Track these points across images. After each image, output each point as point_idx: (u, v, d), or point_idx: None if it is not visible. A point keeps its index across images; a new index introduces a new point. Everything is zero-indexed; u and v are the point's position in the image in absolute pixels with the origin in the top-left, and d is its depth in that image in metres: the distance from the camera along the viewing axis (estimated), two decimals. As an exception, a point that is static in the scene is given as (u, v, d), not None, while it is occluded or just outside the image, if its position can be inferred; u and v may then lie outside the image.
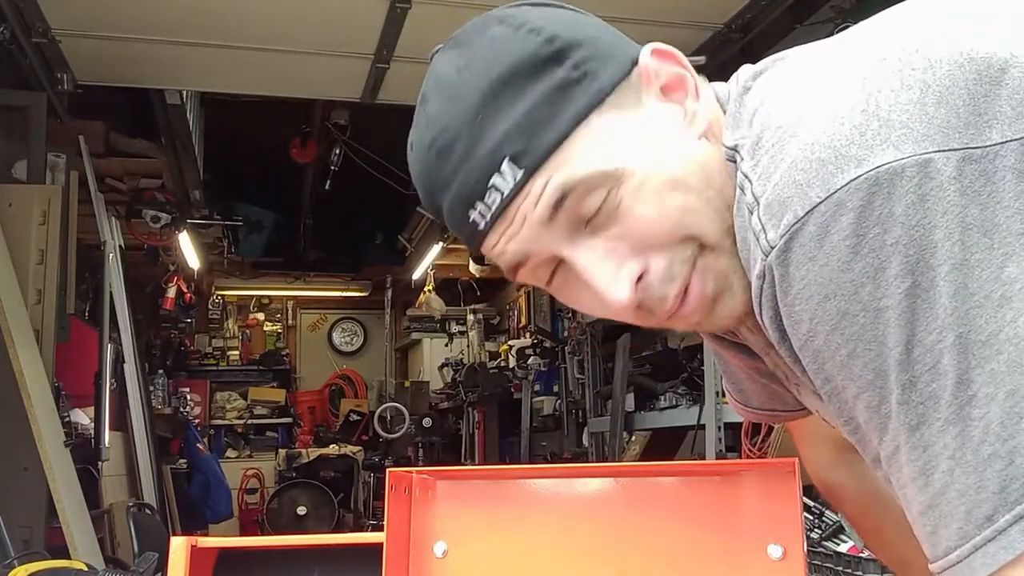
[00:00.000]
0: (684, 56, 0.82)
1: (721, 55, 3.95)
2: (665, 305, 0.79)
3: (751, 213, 0.71)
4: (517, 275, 0.82)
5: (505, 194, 0.75)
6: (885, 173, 0.63)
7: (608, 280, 0.77)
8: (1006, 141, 0.63)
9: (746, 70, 0.82)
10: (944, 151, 0.63)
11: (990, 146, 0.63)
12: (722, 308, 0.80)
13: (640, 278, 0.77)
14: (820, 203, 0.65)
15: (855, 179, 0.64)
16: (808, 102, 0.71)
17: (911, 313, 0.63)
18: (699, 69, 0.85)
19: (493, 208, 0.75)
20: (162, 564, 1.80)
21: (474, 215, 0.76)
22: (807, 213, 0.66)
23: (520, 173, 0.74)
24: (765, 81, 0.78)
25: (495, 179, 0.74)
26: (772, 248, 0.68)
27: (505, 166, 0.74)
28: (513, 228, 0.77)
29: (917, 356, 0.63)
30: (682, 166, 0.77)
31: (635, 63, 0.79)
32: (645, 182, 0.75)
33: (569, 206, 0.75)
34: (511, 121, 0.74)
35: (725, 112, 0.81)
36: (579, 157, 0.74)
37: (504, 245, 0.78)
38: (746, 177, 0.72)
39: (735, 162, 0.75)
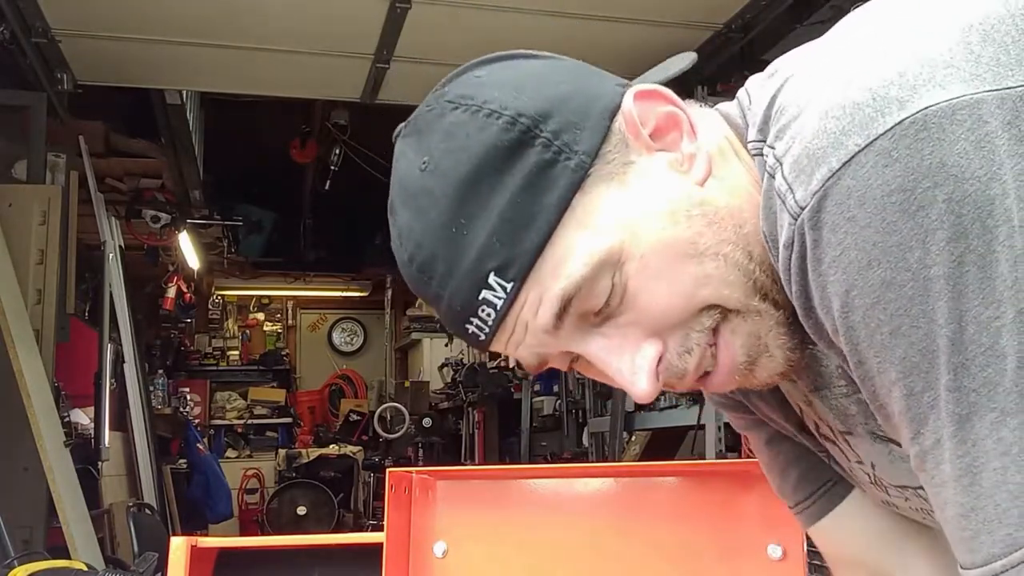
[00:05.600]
0: (669, 92, 0.73)
1: (721, 55, 3.95)
2: (685, 380, 0.72)
3: (772, 176, 0.62)
4: (539, 369, 0.76)
5: (499, 308, 0.67)
6: (934, 115, 0.55)
7: (628, 372, 0.70)
8: None
9: (756, 77, 0.75)
10: (997, 91, 0.55)
11: None
12: (761, 372, 0.72)
13: (660, 359, 0.70)
14: (859, 152, 0.56)
15: (899, 123, 0.55)
16: (834, 58, 0.63)
17: (965, 284, 0.54)
18: (694, 70, 0.82)
19: (489, 322, 0.68)
20: (162, 564, 1.80)
21: (472, 328, 0.69)
22: (843, 165, 0.57)
23: (510, 286, 0.66)
24: (781, 71, 0.70)
25: (484, 294, 0.67)
26: (803, 209, 0.59)
27: (492, 280, 0.66)
28: (516, 337, 0.70)
29: (971, 335, 0.54)
30: (688, 229, 0.68)
31: (616, 110, 0.70)
32: (649, 259, 0.67)
33: (574, 309, 0.68)
34: (488, 229, 0.65)
35: (742, 123, 0.74)
36: (572, 253, 0.66)
37: (513, 351, 0.71)
38: (771, 148, 0.64)
39: (761, 154, 0.66)
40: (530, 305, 0.68)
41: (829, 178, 0.57)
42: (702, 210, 0.68)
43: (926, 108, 0.55)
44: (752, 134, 0.69)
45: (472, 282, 0.67)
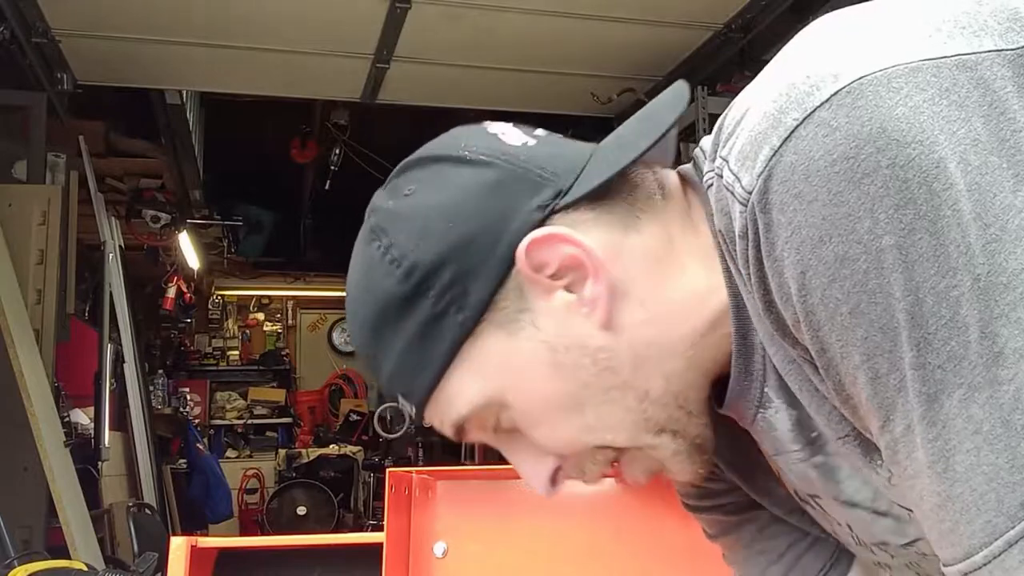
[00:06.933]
0: (570, 232, 0.68)
1: (721, 55, 3.95)
2: (590, 484, 0.77)
3: (720, 176, 0.62)
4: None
5: (413, 416, 0.75)
6: (870, 84, 0.54)
7: (527, 476, 0.76)
8: (1000, 50, 0.56)
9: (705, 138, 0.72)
10: (933, 59, 0.55)
11: (984, 52, 0.55)
12: (674, 476, 0.75)
13: (558, 469, 0.75)
14: (798, 126, 0.55)
15: (836, 93, 0.55)
16: (769, 71, 0.63)
17: (918, 253, 0.52)
18: (694, 72, 0.79)
19: (412, 415, 0.75)
20: (162, 564, 1.80)
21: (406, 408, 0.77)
22: (784, 141, 0.56)
23: (413, 406, 0.74)
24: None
25: (401, 400, 0.75)
26: (750, 193, 0.58)
27: (400, 398, 0.74)
28: (437, 427, 0.76)
29: (930, 307, 0.52)
30: (571, 380, 0.69)
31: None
32: (529, 409, 0.71)
33: (470, 428, 0.74)
34: (391, 364, 0.72)
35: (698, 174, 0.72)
36: (458, 396, 0.71)
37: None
38: (719, 156, 0.63)
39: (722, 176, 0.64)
40: (435, 422, 0.74)
41: (772, 157, 0.57)
42: (593, 358, 0.69)
43: (861, 77, 0.55)
44: (706, 167, 0.67)
45: (388, 390, 0.75)
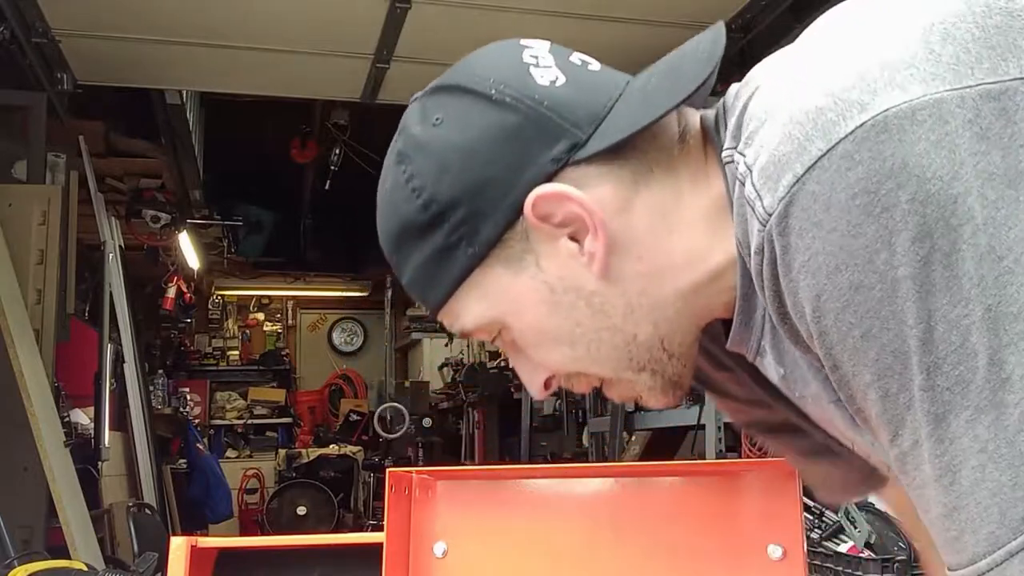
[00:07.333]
0: (574, 192, 0.72)
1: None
2: (578, 392, 0.85)
3: (742, 184, 0.64)
4: None
5: (429, 315, 0.82)
6: (894, 117, 0.56)
7: (525, 380, 0.84)
8: None
9: (735, 85, 0.75)
10: (957, 89, 0.56)
11: (1009, 80, 0.56)
12: (647, 404, 0.82)
13: (552, 377, 0.82)
14: (822, 156, 0.58)
15: (861, 126, 0.57)
16: (800, 65, 0.65)
17: (931, 284, 0.55)
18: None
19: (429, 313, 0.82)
20: (162, 564, 1.80)
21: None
22: (807, 170, 0.58)
23: (428, 310, 0.81)
24: (753, 81, 0.72)
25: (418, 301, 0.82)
26: (770, 215, 0.61)
27: (417, 300, 0.82)
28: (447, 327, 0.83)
29: (941, 334, 0.55)
30: (566, 319, 0.76)
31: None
32: (526, 334, 0.78)
33: (476, 335, 0.81)
34: (410, 274, 0.79)
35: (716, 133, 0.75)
36: (465, 311, 0.78)
37: None
38: (742, 155, 0.66)
39: (733, 161, 0.68)
40: (447, 325, 0.81)
41: (794, 184, 0.59)
42: (587, 301, 0.75)
43: (886, 110, 0.57)
44: (727, 143, 0.70)
45: (408, 291, 0.82)
